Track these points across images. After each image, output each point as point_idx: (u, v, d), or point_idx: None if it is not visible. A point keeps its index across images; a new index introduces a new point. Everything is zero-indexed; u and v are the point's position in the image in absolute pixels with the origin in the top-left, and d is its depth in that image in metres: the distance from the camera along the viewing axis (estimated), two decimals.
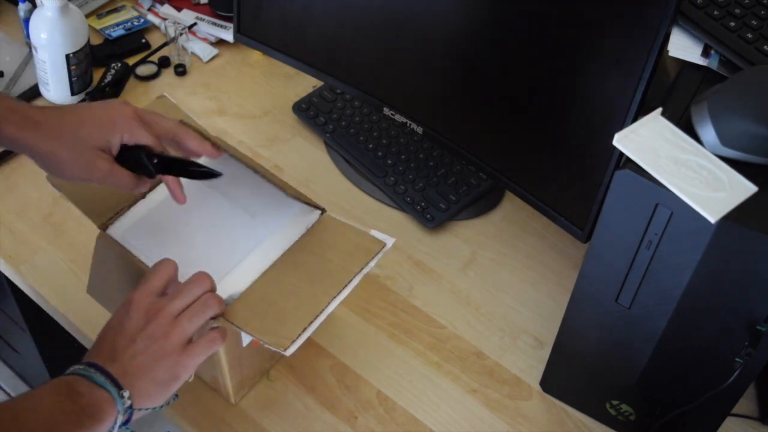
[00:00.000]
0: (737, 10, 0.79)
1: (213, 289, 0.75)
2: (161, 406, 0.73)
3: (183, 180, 0.82)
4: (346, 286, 0.77)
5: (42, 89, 1.17)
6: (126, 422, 0.69)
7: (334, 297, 0.76)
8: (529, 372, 0.93)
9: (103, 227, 0.82)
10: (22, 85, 1.18)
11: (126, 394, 0.68)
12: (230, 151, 0.83)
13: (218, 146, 0.81)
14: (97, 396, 0.67)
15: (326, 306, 0.75)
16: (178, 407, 0.87)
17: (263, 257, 0.80)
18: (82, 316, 0.94)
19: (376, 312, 0.97)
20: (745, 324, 0.69)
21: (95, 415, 0.66)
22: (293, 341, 0.72)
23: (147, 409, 0.71)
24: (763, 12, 0.80)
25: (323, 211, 0.85)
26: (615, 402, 0.85)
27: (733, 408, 0.79)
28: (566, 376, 0.89)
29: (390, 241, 0.81)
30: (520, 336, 0.96)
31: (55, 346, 1.45)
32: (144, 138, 0.77)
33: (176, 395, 0.74)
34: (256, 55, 1.28)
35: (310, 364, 0.92)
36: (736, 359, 0.71)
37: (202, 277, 0.75)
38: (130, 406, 0.69)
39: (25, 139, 0.74)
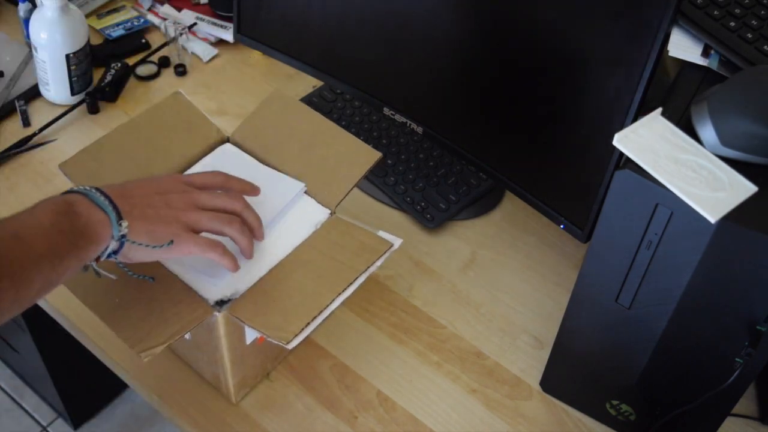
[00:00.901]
0: (737, 10, 0.79)
1: (248, 215, 0.78)
2: (153, 246, 0.72)
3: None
4: (351, 284, 0.77)
5: (42, 89, 1.17)
6: (116, 251, 0.70)
7: (339, 294, 0.76)
8: (529, 372, 0.93)
9: None
10: (22, 85, 1.18)
11: (124, 223, 0.69)
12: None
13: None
14: (95, 218, 0.68)
15: (330, 302, 0.75)
16: (179, 407, 0.87)
17: (270, 255, 0.80)
18: (83, 316, 0.94)
19: (376, 312, 0.97)
20: (745, 324, 0.69)
21: (89, 236, 0.67)
22: (296, 335, 0.72)
23: (139, 244, 0.71)
24: (763, 12, 0.80)
25: (332, 212, 0.85)
26: (615, 402, 0.85)
27: (733, 408, 0.79)
28: (566, 376, 0.89)
29: (397, 242, 0.81)
30: (520, 336, 0.96)
31: (55, 346, 1.45)
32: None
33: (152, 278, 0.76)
34: (256, 55, 1.28)
35: (310, 364, 0.92)
36: (736, 359, 0.71)
37: (239, 198, 0.78)
38: (124, 236, 0.69)
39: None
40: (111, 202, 0.69)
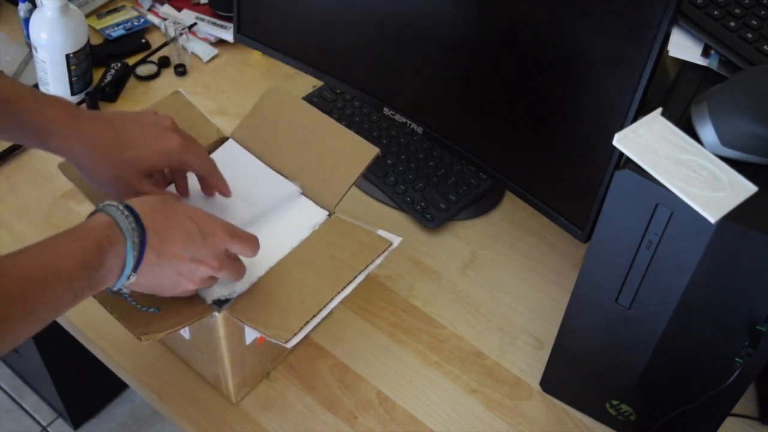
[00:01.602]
0: (737, 10, 0.79)
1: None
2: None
3: (193, 176, 0.85)
4: (350, 282, 0.77)
5: (42, 89, 1.17)
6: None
7: (339, 293, 0.76)
8: (529, 372, 0.93)
9: None
10: None
11: (132, 278, 0.69)
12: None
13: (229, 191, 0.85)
14: (115, 267, 0.68)
15: (329, 301, 0.75)
16: (179, 407, 0.87)
17: (270, 255, 0.80)
18: (82, 316, 0.94)
19: (376, 312, 0.97)
20: (745, 324, 0.69)
21: (104, 279, 0.68)
22: (295, 334, 0.72)
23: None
24: (763, 12, 0.80)
25: (331, 213, 0.85)
26: (615, 402, 0.85)
27: (733, 408, 0.79)
28: (566, 376, 0.89)
29: (397, 241, 0.81)
30: (520, 336, 0.96)
31: (55, 346, 1.45)
32: (183, 176, 0.84)
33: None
34: (256, 55, 1.28)
35: (310, 364, 0.92)
36: (736, 359, 0.71)
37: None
38: (122, 287, 0.70)
39: (72, 151, 0.77)
40: (141, 245, 0.68)
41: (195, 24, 1.30)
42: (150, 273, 0.70)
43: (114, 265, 0.67)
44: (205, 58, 1.27)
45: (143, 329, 0.72)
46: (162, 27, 1.29)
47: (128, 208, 0.69)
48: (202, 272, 0.72)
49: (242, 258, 0.79)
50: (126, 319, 0.73)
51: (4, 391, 1.83)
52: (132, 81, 1.23)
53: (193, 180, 0.87)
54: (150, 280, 0.71)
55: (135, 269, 0.69)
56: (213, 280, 0.74)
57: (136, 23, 1.30)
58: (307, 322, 0.74)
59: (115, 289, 0.70)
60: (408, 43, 1.00)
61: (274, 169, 0.89)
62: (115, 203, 0.69)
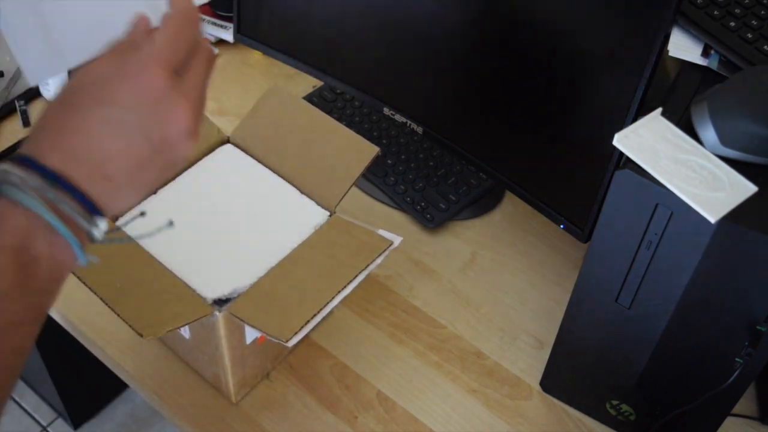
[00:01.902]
0: (737, 10, 0.79)
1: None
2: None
3: (194, 175, 0.84)
4: (351, 281, 0.77)
5: (42, 89, 1.17)
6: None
7: (339, 292, 0.76)
8: (529, 372, 0.93)
9: (114, 219, 0.83)
10: (22, 85, 1.18)
11: (97, 231, 0.50)
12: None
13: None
14: (58, 258, 0.48)
15: (330, 300, 0.75)
16: (179, 407, 0.87)
17: (270, 255, 0.80)
18: (82, 316, 0.94)
19: (376, 312, 0.97)
20: (745, 324, 0.69)
21: (53, 285, 0.50)
22: (295, 333, 0.72)
23: None
24: (763, 12, 0.80)
25: (331, 213, 0.85)
26: (615, 402, 0.85)
27: (733, 408, 0.79)
28: (566, 376, 0.89)
29: (397, 240, 0.81)
30: (520, 336, 0.96)
31: (55, 346, 1.45)
32: None
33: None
34: (256, 55, 1.28)
35: (310, 364, 0.92)
36: (736, 359, 0.71)
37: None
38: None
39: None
40: (83, 207, 0.48)
41: None
42: (118, 199, 0.51)
43: (54, 252, 0.48)
44: None
45: (145, 325, 0.72)
46: None
47: (24, 161, 0.47)
48: (177, 127, 0.52)
49: (242, 258, 0.79)
50: (126, 314, 0.73)
51: None
52: None
53: (193, 180, 0.87)
54: (127, 200, 0.52)
55: (95, 212, 0.49)
56: (199, 121, 0.55)
57: None
58: (308, 321, 0.74)
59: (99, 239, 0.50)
60: (408, 43, 1.00)
61: (274, 170, 0.89)
62: (5, 167, 0.47)
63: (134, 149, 0.50)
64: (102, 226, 0.50)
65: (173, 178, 0.87)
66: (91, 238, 0.50)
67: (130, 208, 0.55)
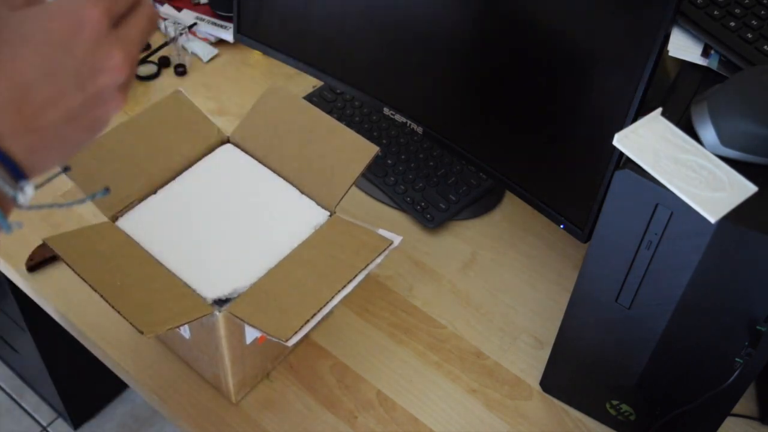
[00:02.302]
0: (737, 10, 0.79)
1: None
2: None
3: (194, 175, 0.84)
4: (350, 281, 0.77)
5: None
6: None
7: (339, 291, 0.76)
8: (529, 372, 0.93)
9: (113, 219, 0.83)
10: None
11: (22, 195, 0.45)
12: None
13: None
14: None
15: (330, 300, 0.75)
16: (179, 407, 0.87)
17: (270, 255, 0.80)
18: (82, 316, 0.94)
19: (376, 312, 0.97)
20: (745, 324, 0.69)
21: None
22: (295, 332, 0.72)
23: None
24: (763, 12, 0.80)
25: (331, 213, 0.85)
26: (615, 402, 0.85)
27: (733, 408, 0.79)
28: (566, 376, 0.89)
29: (397, 240, 0.81)
30: (520, 336, 0.96)
31: (55, 346, 1.45)
32: None
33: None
34: (256, 55, 1.29)
35: (310, 364, 0.92)
36: (736, 359, 0.71)
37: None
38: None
39: None
40: (6, 169, 0.43)
41: (195, 24, 1.30)
42: (45, 158, 0.46)
43: None
44: (205, 58, 1.27)
45: (146, 323, 0.72)
46: (162, 27, 1.29)
47: None
48: (112, 78, 0.46)
49: (242, 258, 0.79)
50: (127, 311, 0.72)
51: (4, 391, 1.83)
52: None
53: (193, 180, 0.87)
54: (53, 158, 0.47)
55: (20, 177, 0.44)
56: (132, 78, 0.48)
57: None
58: (308, 320, 0.74)
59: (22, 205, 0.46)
60: (408, 43, 1.00)
61: (274, 170, 0.89)
62: None
63: (66, 98, 0.44)
64: (28, 191, 0.45)
65: (173, 178, 0.87)
66: (16, 204, 0.45)
67: (54, 167, 0.49)
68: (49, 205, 0.51)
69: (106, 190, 0.57)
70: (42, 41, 0.43)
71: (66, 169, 0.54)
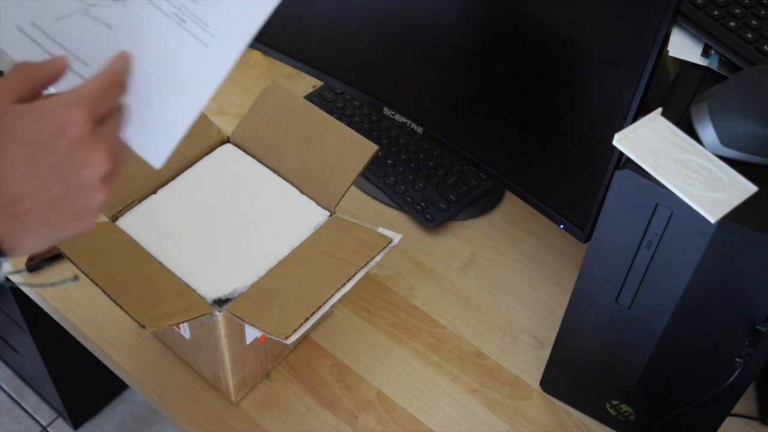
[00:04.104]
0: (737, 10, 0.79)
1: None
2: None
3: (194, 175, 0.84)
4: (350, 279, 0.77)
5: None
6: None
7: (338, 289, 0.76)
8: (529, 372, 0.93)
9: (113, 219, 0.83)
10: None
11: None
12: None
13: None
14: None
15: (329, 298, 0.75)
16: (179, 407, 0.87)
17: (270, 255, 0.80)
18: (82, 316, 0.94)
19: (376, 312, 0.97)
20: (745, 324, 0.69)
21: None
22: (294, 330, 0.72)
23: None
24: (763, 12, 0.80)
25: (331, 212, 0.85)
26: (615, 402, 0.85)
27: (733, 408, 0.79)
28: (566, 376, 0.89)
29: (397, 238, 0.81)
30: (520, 336, 0.96)
31: (55, 346, 1.45)
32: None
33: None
34: (256, 55, 1.28)
35: (310, 364, 0.92)
36: (736, 359, 0.71)
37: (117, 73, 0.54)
38: None
39: None
40: None
41: None
42: (26, 240, 0.50)
43: None
44: None
45: (148, 317, 0.71)
46: None
47: None
48: (95, 172, 0.51)
49: (242, 258, 0.79)
50: (129, 306, 0.72)
51: (4, 391, 1.83)
52: None
53: (193, 180, 0.87)
54: (35, 241, 0.51)
55: None
56: (115, 172, 0.53)
57: None
58: (307, 318, 0.74)
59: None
60: (408, 43, 1.00)
61: (274, 169, 0.89)
62: None
63: (48, 190, 0.49)
64: (5, 267, 0.50)
65: (173, 178, 0.87)
66: None
67: (39, 250, 0.53)
68: (21, 284, 0.56)
69: (75, 278, 0.62)
70: (30, 140, 0.49)
71: (75, 278, 0.61)
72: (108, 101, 0.53)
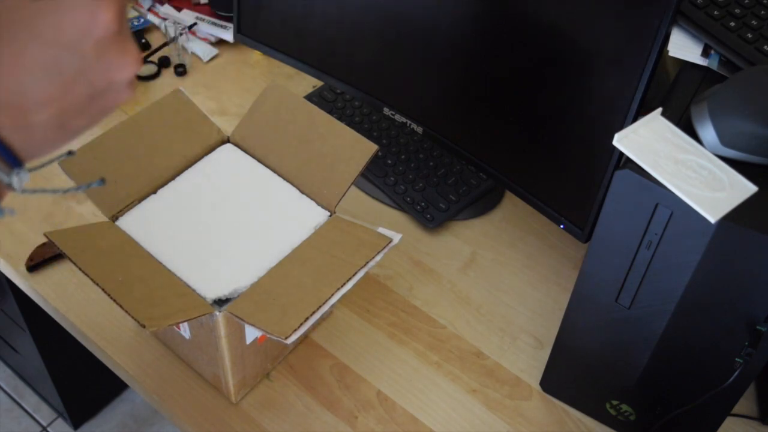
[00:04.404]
0: (737, 10, 0.79)
1: None
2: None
3: (194, 175, 0.84)
4: (350, 279, 0.77)
5: None
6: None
7: (338, 289, 0.76)
8: (529, 372, 0.93)
9: (113, 219, 0.83)
10: None
11: (16, 179, 0.45)
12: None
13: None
14: None
15: (329, 298, 0.75)
16: (179, 407, 0.87)
17: (270, 255, 0.80)
18: (82, 316, 0.94)
19: (376, 312, 0.97)
20: (745, 324, 0.69)
21: None
22: (294, 330, 0.72)
23: None
24: (763, 12, 0.80)
25: (332, 213, 0.85)
26: (615, 402, 0.85)
27: (733, 408, 0.79)
28: (566, 376, 0.89)
29: (397, 237, 0.81)
30: (520, 336, 0.96)
31: (55, 346, 1.45)
32: None
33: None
34: (256, 55, 1.29)
35: (310, 364, 0.92)
36: (736, 359, 0.71)
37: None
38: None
39: None
40: (2, 158, 0.44)
41: (195, 24, 1.30)
42: (44, 147, 0.46)
43: None
44: (205, 58, 1.27)
45: (148, 317, 0.71)
46: (162, 27, 1.29)
47: None
48: (125, 74, 0.46)
49: (242, 258, 0.78)
50: (129, 305, 0.72)
51: (4, 391, 1.83)
52: None
53: (193, 180, 0.87)
54: (53, 146, 0.46)
55: (15, 164, 0.44)
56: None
57: (136, 23, 1.30)
58: (307, 318, 0.74)
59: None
60: (408, 44, 1.00)
61: (274, 169, 0.89)
62: None
63: (71, 96, 0.45)
64: (23, 177, 0.45)
65: (173, 178, 0.87)
66: (11, 189, 0.45)
67: (56, 150, 0.49)
68: (43, 190, 0.51)
69: (102, 180, 0.56)
70: (52, 40, 0.43)
71: (70, 153, 0.53)
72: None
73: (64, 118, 0.45)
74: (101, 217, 0.83)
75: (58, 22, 0.43)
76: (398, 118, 1.07)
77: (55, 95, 0.44)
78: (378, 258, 0.79)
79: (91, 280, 0.73)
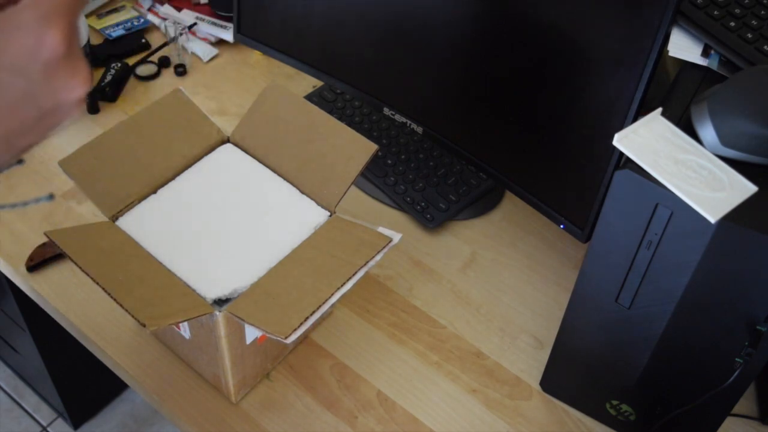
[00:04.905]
0: (737, 10, 0.79)
1: None
2: None
3: (194, 175, 0.83)
4: (350, 278, 0.77)
5: None
6: None
7: (338, 289, 0.76)
8: (529, 372, 0.93)
9: (113, 219, 0.83)
10: None
11: None
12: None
13: None
14: None
15: (329, 297, 0.75)
16: (179, 407, 0.87)
17: (270, 255, 0.80)
18: (82, 316, 0.94)
19: (376, 312, 0.97)
20: (745, 324, 0.69)
21: None
22: (294, 329, 0.72)
23: None
24: (763, 12, 0.80)
25: (331, 213, 0.85)
26: (615, 402, 0.85)
27: (733, 408, 0.79)
28: (566, 376, 0.89)
29: (397, 237, 0.81)
30: (520, 336, 0.96)
31: (55, 346, 1.45)
32: None
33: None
34: (256, 55, 1.29)
35: (310, 364, 0.92)
36: (736, 359, 0.71)
37: None
38: None
39: None
40: None
41: (195, 24, 1.30)
42: None
43: None
44: (205, 58, 1.27)
45: (149, 316, 0.71)
46: (162, 27, 1.29)
47: None
48: (75, 94, 0.46)
49: (242, 258, 0.78)
50: (129, 304, 0.72)
51: (4, 391, 1.83)
52: (132, 81, 1.23)
53: (193, 180, 0.87)
54: None
55: None
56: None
57: (136, 23, 1.30)
58: (307, 317, 0.74)
59: None
60: (408, 44, 1.00)
61: (274, 169, 0.89)
62: None
63: (18, 117, 0.44)
64: None
65: (173, 178, 0.87)
66: None
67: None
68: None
69: (51, 195, 0.56)
70: None
71: (20, 162, 0.53)
72: (81, 6, 0.45)
73: (11, 138, 0.45)
74: (101, 217, 0.83)
75: (4, 45, 0.42)
76: (398, 118, 1.07)
77: (1, 117, 0.43)
78: (378, 258, 0.79)
79: (92, 279, 0.73)
